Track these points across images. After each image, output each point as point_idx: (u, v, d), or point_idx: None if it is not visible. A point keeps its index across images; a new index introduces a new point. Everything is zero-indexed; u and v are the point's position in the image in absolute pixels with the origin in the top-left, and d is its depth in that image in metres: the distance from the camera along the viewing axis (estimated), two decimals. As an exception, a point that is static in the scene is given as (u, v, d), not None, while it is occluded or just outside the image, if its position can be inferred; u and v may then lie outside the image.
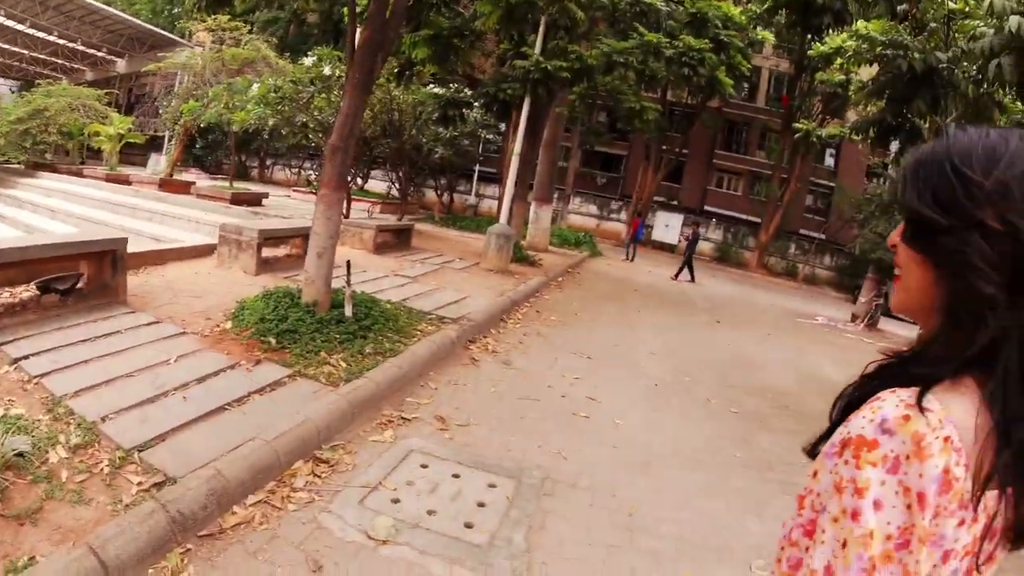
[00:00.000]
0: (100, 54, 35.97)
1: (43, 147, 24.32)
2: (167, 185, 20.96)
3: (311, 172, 30.53)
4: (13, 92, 35.43)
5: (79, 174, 23.77)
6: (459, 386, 6.66)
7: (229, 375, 5.76)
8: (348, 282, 7.14)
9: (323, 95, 15.67)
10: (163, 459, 4.16)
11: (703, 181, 39.67)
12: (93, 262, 7.40)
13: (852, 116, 30.71)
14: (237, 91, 17.66)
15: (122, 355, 5.88)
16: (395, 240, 14.98)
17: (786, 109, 32.52)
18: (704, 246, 34.84)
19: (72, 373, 5.33)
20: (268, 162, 40.99)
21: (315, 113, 15.86)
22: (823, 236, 34.97)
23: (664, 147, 32.27)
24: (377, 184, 29.24)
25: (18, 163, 23.98)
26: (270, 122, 16.41)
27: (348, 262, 7.39)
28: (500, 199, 30.16)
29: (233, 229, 10.01)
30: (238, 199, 18.91)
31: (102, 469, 3.94)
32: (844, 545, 0.91)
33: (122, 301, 7.44)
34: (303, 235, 11.39)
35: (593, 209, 38.26)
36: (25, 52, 34.77)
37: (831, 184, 37.09)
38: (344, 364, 6.20)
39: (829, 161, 38.36)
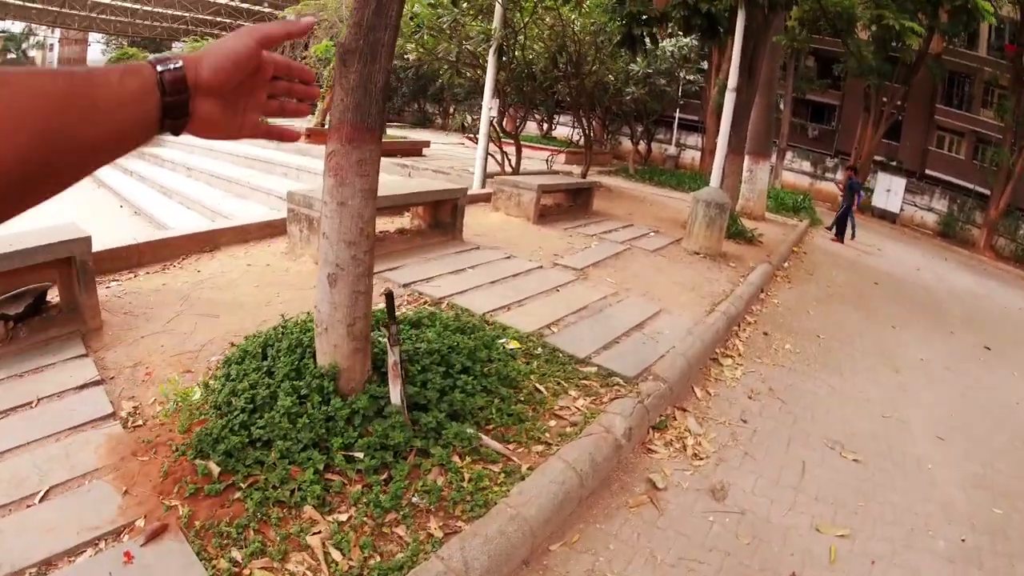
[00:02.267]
0: (264, 9, 34.64)
1: None
2: (314, 136, 18.53)
3: (465, 113, 25.56)
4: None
5: (224, 128, 22.18)
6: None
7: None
8: (391, 339, 3.52)
9: (471, 16, 12.14)
10: None
11: (923, 141, 32.33)
12: (64, 272, 4.72)
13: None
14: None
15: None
16: (570, 203, 11.40)
17: (1015, 59, 25.62)
18: (928, 217, 30.37)
19: None
20: (452, 108, 38.29)
21: (463, 41, 12.37)
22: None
23: (884, 99, 26.71)
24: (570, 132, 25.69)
25: None
26: (411, 56, 13.13)
27: (388, 294, 3.69)
28: (703, 149, 26.44)
29: (302, 200, 6.69)
30: (390, 149, 16.00)
31: None
32: None
33: (91, 330, 4.66)
34: (424, 202, 8.09)
35: (806, 166, 32.46)
36: (187, 15, 34.19)
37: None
38: (338, 555, 2.67)
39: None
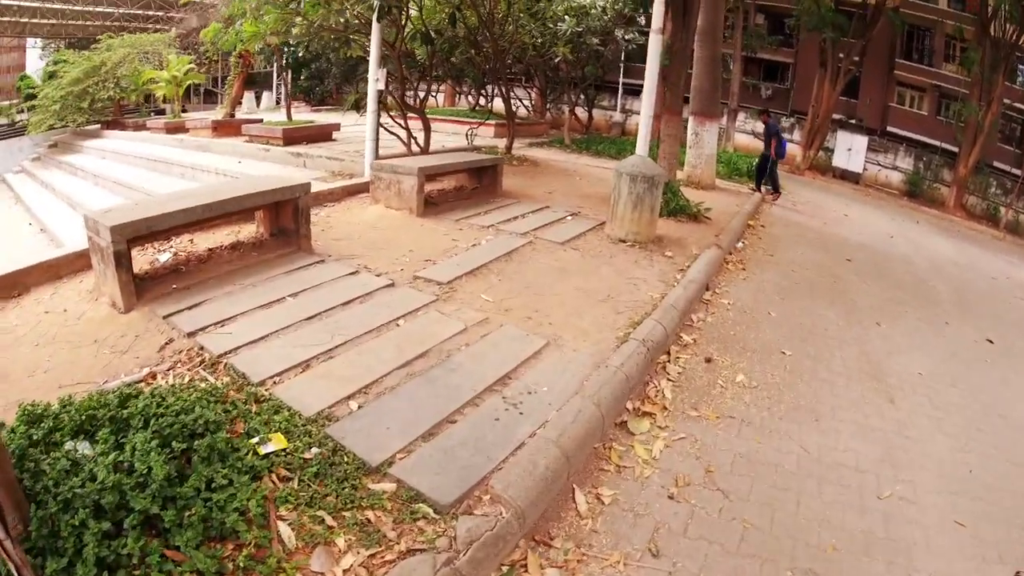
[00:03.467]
0: (195, -1, 32.73)
1: (100, 104, 21.11)
2: (221, 128, 16.94)
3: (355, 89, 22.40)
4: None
5: (142, 127, 20.60)
6: None
7: None
8: None
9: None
10: None
11: (883, 97, 30.69)
12: None
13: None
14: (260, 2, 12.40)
15: None
16: (474, 184, 9.62)
17: (979, 11, 24.36)
18: (893, 176, 28.79)
19: None
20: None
21: (346, 6, 10.30)
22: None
23: (840, 54, 25.42)
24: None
25: (76, 126, 21.20)
26: (294, 31, 11.11)
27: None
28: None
29: (93, 226, 4.90)
30: (292, 136, 14.30)
31: None
32: None
33: None
34: (251, 207, 6.22)
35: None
36: (114, 10, 32.30)
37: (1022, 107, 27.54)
38: None
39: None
